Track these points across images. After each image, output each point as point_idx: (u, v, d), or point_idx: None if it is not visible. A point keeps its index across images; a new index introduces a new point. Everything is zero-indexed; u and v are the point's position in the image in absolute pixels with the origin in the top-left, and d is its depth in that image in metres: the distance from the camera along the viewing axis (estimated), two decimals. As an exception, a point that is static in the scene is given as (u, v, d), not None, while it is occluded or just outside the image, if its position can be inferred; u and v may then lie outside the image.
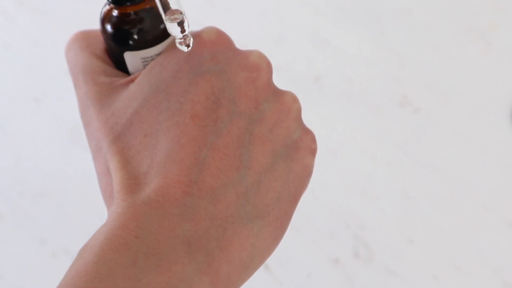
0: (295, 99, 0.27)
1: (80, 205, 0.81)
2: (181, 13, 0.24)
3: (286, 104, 0.26)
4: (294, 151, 0.26)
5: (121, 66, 0.28)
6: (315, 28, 1.00)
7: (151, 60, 0.27)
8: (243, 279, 0.24)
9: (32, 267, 0.76)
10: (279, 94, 0.27)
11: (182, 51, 0.26)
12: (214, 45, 0.26)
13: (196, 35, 0.26)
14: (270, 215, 0.25)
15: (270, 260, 0.76)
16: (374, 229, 0.80)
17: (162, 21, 0.27)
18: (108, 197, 0.26)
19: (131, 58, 0.27)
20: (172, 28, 0.24)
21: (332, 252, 0.77)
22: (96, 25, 0.96)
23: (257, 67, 0.26)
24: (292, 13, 1.02)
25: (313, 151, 0.27)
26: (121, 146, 0.25)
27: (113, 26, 0.27)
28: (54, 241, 0.78)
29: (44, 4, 0.97)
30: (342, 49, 0.97)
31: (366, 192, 0.82)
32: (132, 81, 0.26)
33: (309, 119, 0.90)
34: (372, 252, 0.79)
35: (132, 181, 0.24)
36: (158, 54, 0.27)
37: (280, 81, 0.95)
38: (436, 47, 0.98)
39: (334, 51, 0.97)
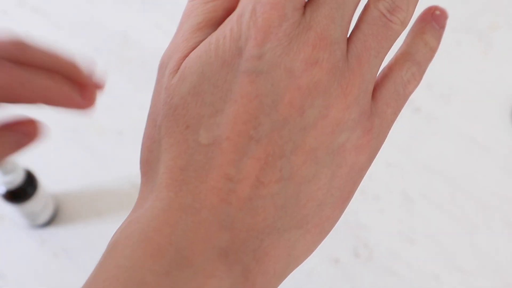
0: None
1: (81, 205, 0.81)
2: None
3: None
4: (340, 156, 0.24)
5: None
6: (315, 28, 1.00)
7: None
8: (276, 285, 0.23)
9: (32, 267, 0.76)
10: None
11: (221, 41, 0.24)
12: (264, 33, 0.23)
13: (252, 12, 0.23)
14: (309, 223, 0.23)
15: (270, 260, 0.76)
16: (374, 229, 0.80)
17: None
18: (145, 171, 0.25)
19: None
20: None
21: (332, 251, 0.77)
22: (96, 25, 0.96)
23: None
24: (292, 13, 1.02)
25: (360, 147, 0.24)
26: (165, 130, 0.24)
27: None
28: (54, 241, 0.78)
29: (44, 4, 0.97)
30: (342, 49, 0.97)
31: (366, 192, 0.82)
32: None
33: (309, 119, 0.90)
34: (372, 252, 0.79)
35: (172, 176, 0.23)
36: None
37: (280, 81, 0.94)
38: (436, 47, 0.98)
39: (334, 51, 0.97)
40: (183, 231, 0.21)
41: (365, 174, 0.25)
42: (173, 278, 0.20)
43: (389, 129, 0.25)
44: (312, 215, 0.23)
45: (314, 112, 0.23)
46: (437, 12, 0.26)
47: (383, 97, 0.25)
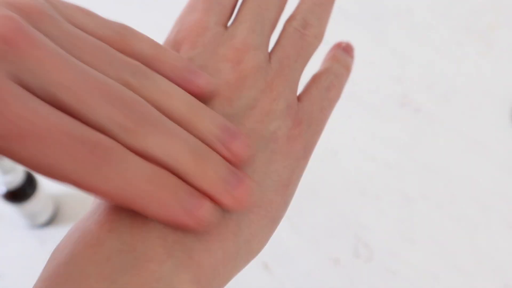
0: None
1: (81, 205, 0.81)
2: None
3: None
4: (273, 142, 0.25)
5: None
6: (315, 28, 1.00)
7: None
8: (232, 271, 0.23)
9: (32, 267, 0.76)
10: None
11: None
12: None
13: None
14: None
15: (269, 259, 0.75)
16: (374, 229, 0.80)
17: None
18: None
19: None
20: None
21: (332, 251, 0.77)
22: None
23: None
24: (292, 13, 1.02)
25: (293, 137, 0.26)
26: None
27: None
28: (54, 241, 0.78)
29: (44, 4, 0.97)
30: (342, 49, 0.97)
31: (366, 192, 0.82)
32: None
33: (309, 119, 0.90)
34: (372, 252, 0.79)
35: None
36: None
37: (280, 81, 0.94)
38: (436, 47, 0.98)
39: (334, 51, 0.97)
40: (122, 218, 0.21)
41: (304, 164, 0.27)
42: (113, 264, 0.20)
43: (321, 124, 0.28)
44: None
45: (242, 103, 0.26)
46: (344, 44, 0.32)
47: (309, 98, 0.28)
